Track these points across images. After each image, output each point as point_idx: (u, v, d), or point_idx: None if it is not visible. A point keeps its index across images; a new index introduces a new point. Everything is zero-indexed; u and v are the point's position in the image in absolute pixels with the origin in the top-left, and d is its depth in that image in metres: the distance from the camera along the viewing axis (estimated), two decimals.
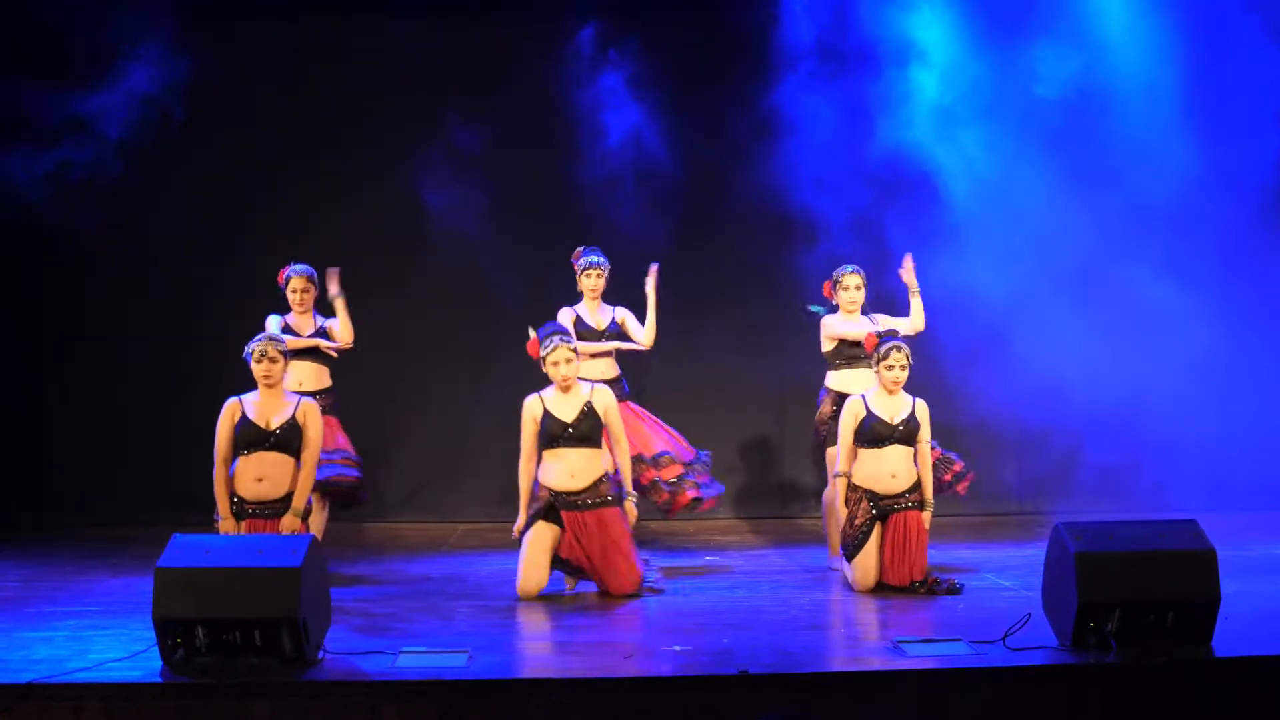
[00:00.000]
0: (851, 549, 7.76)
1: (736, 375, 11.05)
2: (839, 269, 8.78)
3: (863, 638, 6.59)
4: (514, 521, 7.74)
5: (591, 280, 9.00)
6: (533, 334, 7.85)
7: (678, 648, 6.24)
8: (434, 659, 6.01)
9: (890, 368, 7.86)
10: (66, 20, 10.14)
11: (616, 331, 9.06)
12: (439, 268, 10.85)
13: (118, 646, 6.29)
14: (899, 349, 7.88)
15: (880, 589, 7.67)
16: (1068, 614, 6.03)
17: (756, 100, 10.45)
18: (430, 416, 10.99)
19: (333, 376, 9.03)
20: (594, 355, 8.87)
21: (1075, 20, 10.30)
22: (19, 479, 10.72)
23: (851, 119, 10.01)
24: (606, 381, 8.68)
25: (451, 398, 10.84)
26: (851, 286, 8.69)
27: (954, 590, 7.54)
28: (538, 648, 6.53)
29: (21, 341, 10.86)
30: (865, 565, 7.70)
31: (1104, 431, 10.23)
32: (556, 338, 7.74)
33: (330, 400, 8.90)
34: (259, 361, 7.50)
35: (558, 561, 7.65)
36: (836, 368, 8.73)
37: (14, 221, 10.47)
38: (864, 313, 8.75)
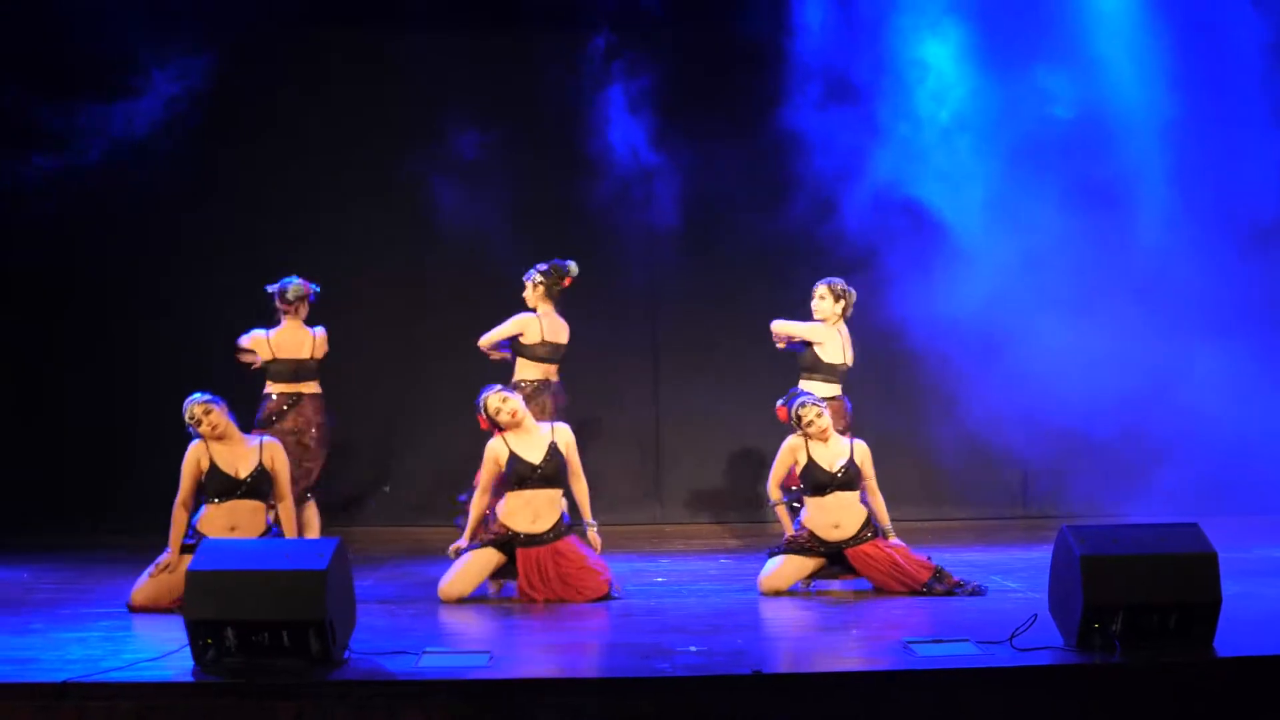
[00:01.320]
0: (776, 552, 7.77)
1: (746, 382, 11.08)
2: (820, 283, 8.89)
3: (873, 638, 6.60)
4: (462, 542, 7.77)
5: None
6: (481, 414, 7.83)
7: (693, 648, 6.25)
8: (456, 659, 6.03)
9: (810, 424, 7.82)
10: (81, 30, 10.22)
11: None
12: (451, 273, 10.92)
13: (150, 647, 6.32)
14: (804, 405, 7.85)
15: (883, 593, 7.68)
16: (1073, 615, 6.03)
17: (764, 118, 10.50)
18: (445, 421, 11.02)
19: (323, 384, 9.04)
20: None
21: (1078, 45, 10.34)
22: (53, 484, 10.79)
23: (857, 138, 10.05)
24: (541, 382, 8.89)
25: (465, 402, 10.85)
26: (815, 296, 8.86)
27: (978, 592, 7.55)
28: (557, 649, 6.55)
29: (49, 348, 10.93)
30: (780, 570, 7.69)
31: (1107, 437, 10.26)
32: (486, 392, 7.81)
33: (315, 406, 8.95)
34: (199, 426, 7.46)
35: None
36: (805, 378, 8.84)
37: (37, 229, 10.60)
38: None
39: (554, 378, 9.10)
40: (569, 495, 7.94)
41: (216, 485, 7.41)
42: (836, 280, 8.87)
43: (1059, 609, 6.25)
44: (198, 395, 7.59)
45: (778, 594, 7.68)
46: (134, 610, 7.34)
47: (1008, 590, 7.79)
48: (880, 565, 7.66)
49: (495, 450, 7.75)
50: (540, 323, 9.05)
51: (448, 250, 10.83)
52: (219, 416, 7.49)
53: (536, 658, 6.39)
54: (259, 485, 7.45)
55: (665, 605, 7.51)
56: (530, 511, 7.66)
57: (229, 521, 7.42)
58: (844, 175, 10.08)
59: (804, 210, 10.41)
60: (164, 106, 10.31)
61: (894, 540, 7.80)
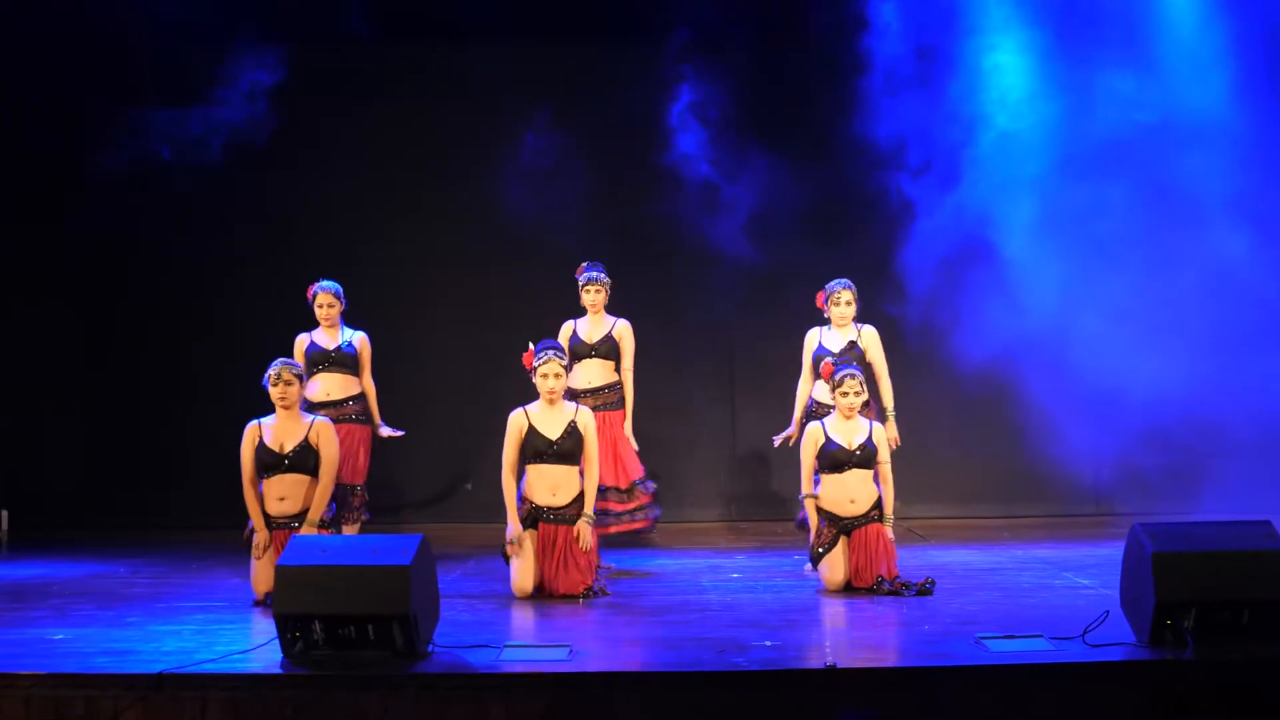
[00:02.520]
0: (817, 558, 7.82)
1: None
2: (832, 283, 8.92)
3: (945, 634, 6.55)
4: (513, 529, 7.73)
5: (591, 295, 9.14)
6: (531, 347, 7.91)
7: (768, 643, 6.25)
8: (536, 653, 6.06)
9: (845, 394, 7.87)
10: (158, 37, 10.41)
11: (609, 346, 9.15)
12: (531, 280, 10.88)
13: (241, 640, 6.42)
14: (852, 376, 7.90)
15: (849, 589, 7.69)
16: (1145, 612, 5.97)
17: (836, 130, 10.46)
18: None
19: (360, 386, 9.13)
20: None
21: (1150, 51, 10.18)
22: (150, 482, 10.95)
23: (929, 147, 9.98)
24: (600, 389, 8.96)
25: None
26: (843, 302, 8.86)
27: (925, 592, 7.50)
28: (634, 643, 6.56)
29: (142, 350, 11.05)
30: (833, 565, 7.73)
31: (1179, 435, 10.11)
32: (549, 351, 7.82)
33: (360, 407, 9.06)
34: (275, 385, 7.60)
35: None
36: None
37: (117, 229, 10.84)
38: (856, 322, 8.91)
39: None
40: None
41: (263, 460, 7.53)
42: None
43: (1131, 605, 6.19)
44: (292, 361, 7.78)
45: (844, 586, 7.70)
46: (262, 601, 7.38)
47: (1080, 587, 7.73)
48: (875, 551, 7.68)
49: (517, 422, 7.79)
50: None
51: (526, 257, 10.83)
52: (295, 390, 7.64)
53: (614, 652, 6.41)
54: (301, 460, 7.53)
55: (741, 600, 7.51)
56: (549, 485, 7.73)
57: (279, 493, 7.53)
58: (916, 182, 10.01)
59: (876, 217, 10.34)
60: (242, 123, 10.48)
61: (889, 534, 7.79)
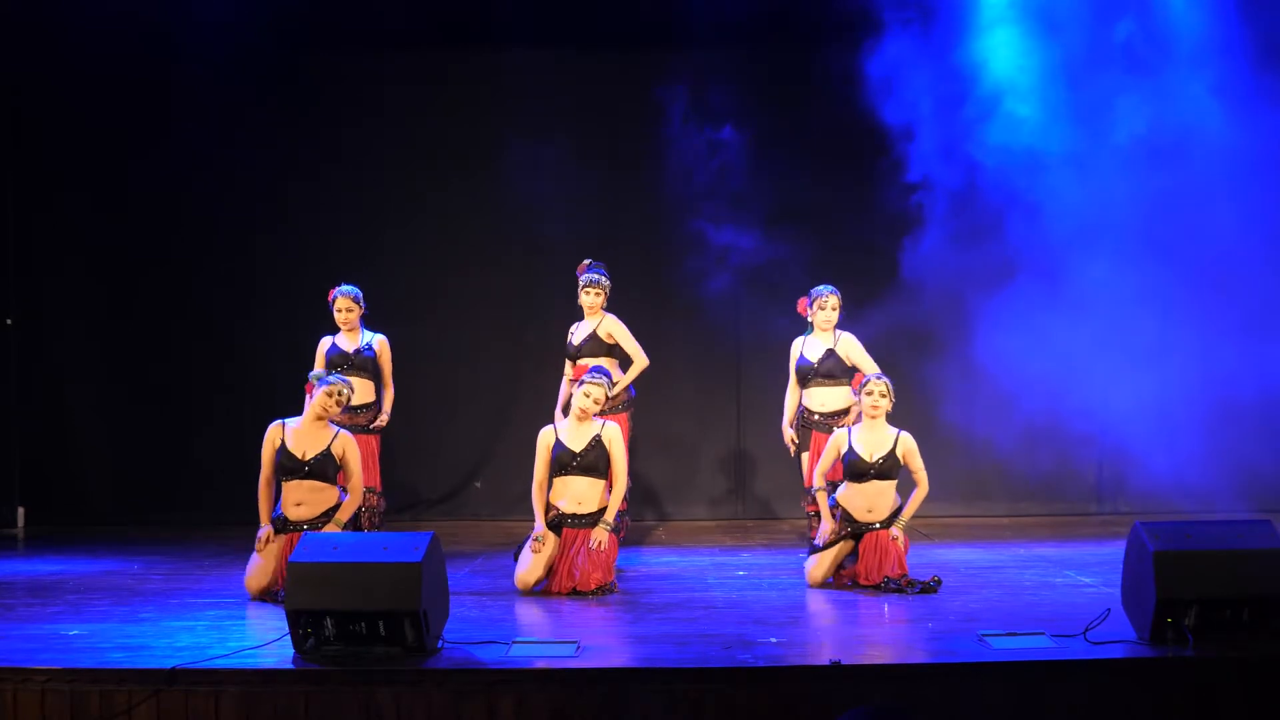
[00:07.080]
0: (816, 549, 7.84)
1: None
2: (817, 289, 8.92)
3: (948, 631, 6.54)
4: (540, 528, 7.77)
5: (590, 297, 9.13)
6: (586, 361, 8.22)
7: (774, 640, 6.25)
8: (545, 649, 6.06)
9: (870, 393, 7.88)
10: (184, 47, 10.49)
11: (597, 345, 9.10)
12: (544, 279, 10.87)
13: (253, 635, 6.43)
14: (879, 379, 7.93)
15: (856, 586, 7.68)
16: (1146, 610, 5.97)
17: (845, 129, 10.43)
18: (536, 420, 11.00)
19: (378, 392, 9.14)
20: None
21: (1153, 56, 10.16)
22: (165, 478, 10.95)
23: (934, 156, 9.98)
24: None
25: (555, 402, 10.88)
26: (829, 306, 8.85)
27: (930, 589, 7.49)
28: (641, 639, 6.55)
29: (160, 349, 11.04)
30: (820, 561, 7.77)
31: (1183, 434, 10.10)
32: (599, 375, 7.95)
33: (371, 416, 9.05)
34: (329, 395, 7.63)
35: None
36: (806, 385, 8.92)
37: (132, 231, 10.89)
38: (838, 327, 8.91)
39: None
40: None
41: (284, 465, 7.57)
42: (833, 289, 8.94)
43: (1132, 603, 6.18)
44: (343, 379, 7.77)
45: (821, 583, 7.72)
46: (258, 599, 7.41)
47: (1081, 585, 7.72)
48: (883, 553, 7.66)
49: (546, 438, 7.88)
50: None
51: (537, 260, 10.82)
52: (338, 402, 7.67)
53: (622, 648, 6.41)
54: (321, 469, 7.56)
55: (747, 598, 7.51)
56: (573, 496, 7.78)
57: (297, 498, 7.57)
58: (925, 184, 10.00)
59: (885, 219, 10.31)
60: (268, 130, 10.55)
61: (895, 532, 7.74)
